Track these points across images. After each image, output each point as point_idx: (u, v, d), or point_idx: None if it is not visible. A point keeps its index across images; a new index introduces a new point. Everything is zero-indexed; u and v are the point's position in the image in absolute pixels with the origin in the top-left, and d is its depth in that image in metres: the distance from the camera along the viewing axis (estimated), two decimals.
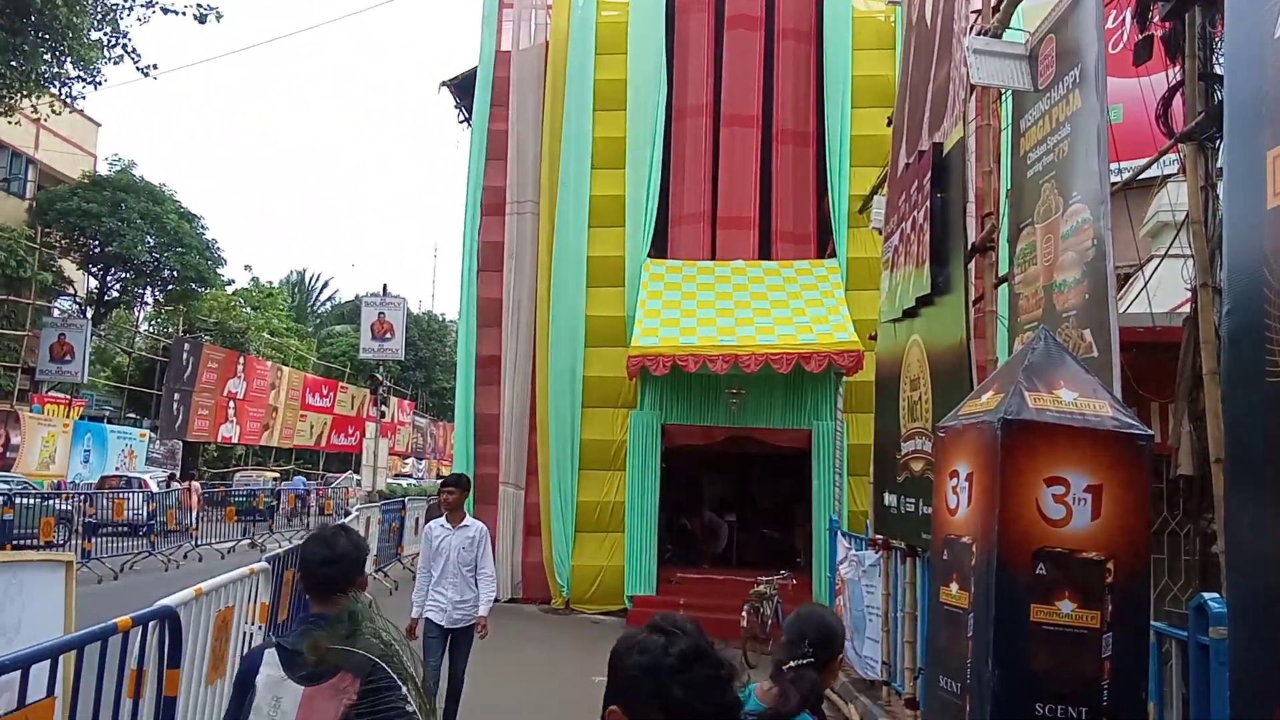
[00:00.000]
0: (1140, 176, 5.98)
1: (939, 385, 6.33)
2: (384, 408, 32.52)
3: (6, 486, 17.00)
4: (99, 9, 19.61)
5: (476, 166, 14.70)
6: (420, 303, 67.32)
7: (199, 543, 18.96)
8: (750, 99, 13.92)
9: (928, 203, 6.47)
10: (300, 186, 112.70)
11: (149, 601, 3.45)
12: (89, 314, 30.02)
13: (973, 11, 6.33)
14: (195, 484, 23.50)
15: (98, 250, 29.08)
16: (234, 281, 40.52)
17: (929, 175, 6.48)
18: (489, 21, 15.04)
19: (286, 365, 39.63)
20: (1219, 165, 4.45)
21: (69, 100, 21.15)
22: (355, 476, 35.20)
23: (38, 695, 2.61)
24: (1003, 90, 6.27)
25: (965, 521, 3.76)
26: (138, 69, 20.77)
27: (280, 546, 21.82)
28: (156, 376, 32.03)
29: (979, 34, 5.84)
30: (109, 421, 31.30)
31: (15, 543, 13.64)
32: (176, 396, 30.74)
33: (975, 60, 5.19)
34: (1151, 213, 9.78)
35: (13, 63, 18.57)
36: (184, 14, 20.22)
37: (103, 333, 32.36)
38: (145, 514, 18.47)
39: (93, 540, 15.65)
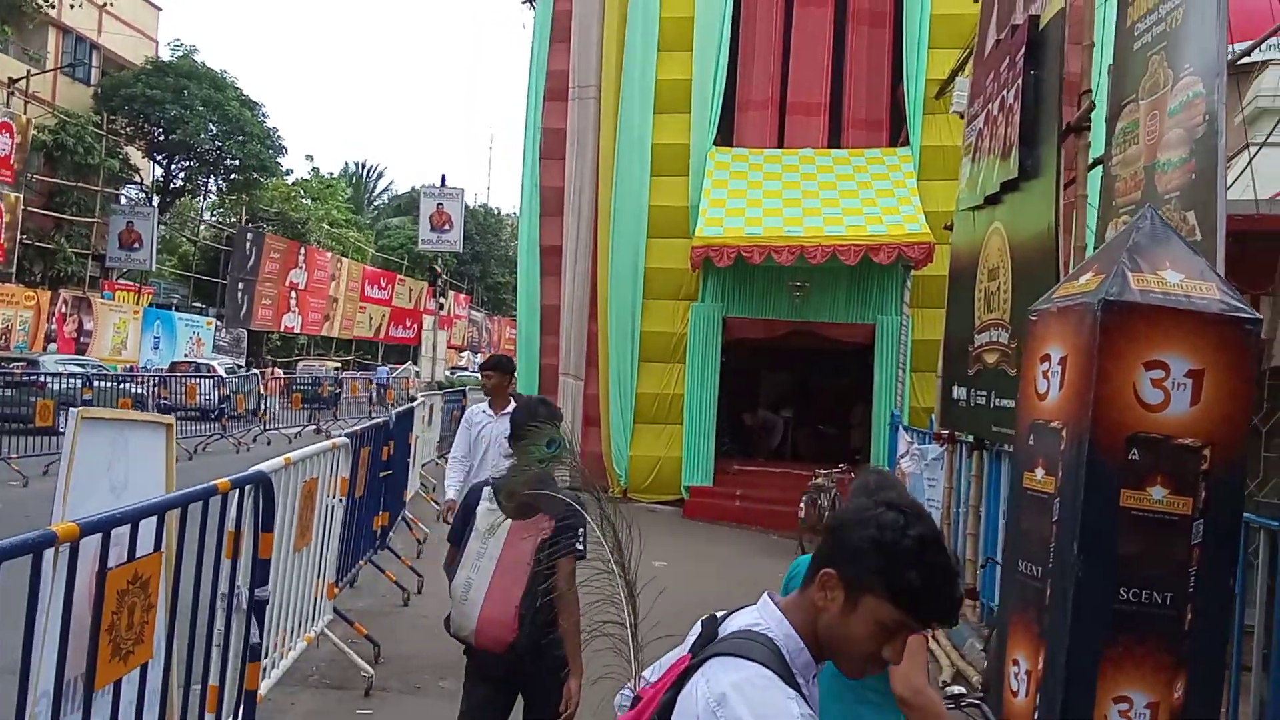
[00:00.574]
0: (1239, 61, 5.59)
1: (1020, 274, 6.12)
2: (442, 300, 32.85)
3: (83, 370, 17.65)
4: None
5: (540, 49, 14.32)
6: (476, 196, 67.01)
7: (267, 427, 19.59)
8: None
9: (1019, 81, 6.12)
10: (357, 73, 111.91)
11: (228, 472, 3.53)
12: (155, 202, 30.49)
13: None
14: (277, 370, 24.14)
15: (161, 137, 29.34)
16: (292, 171, 40.73)
17: (1022, 51, 6.12)
18: None
19: (345, 256, 40.09)
20: None
21: None
22: (414, 368, 35.85)
23: (146, 549, 2.70)
24: None
25: (1056, 406, 3.66)
26: None
27: (343, 432, 22.53)
28: (220, 265, 32.65)
29: None
30: (176, 309, 32.16)
31: None
32: (241, 285, 31.40)
33: None
34: (1250, 97, 9.22)
35: None
36: None
37: (168, 221, 32.91)
38: (216, 399, 19.11)
39: None
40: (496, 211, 59.41)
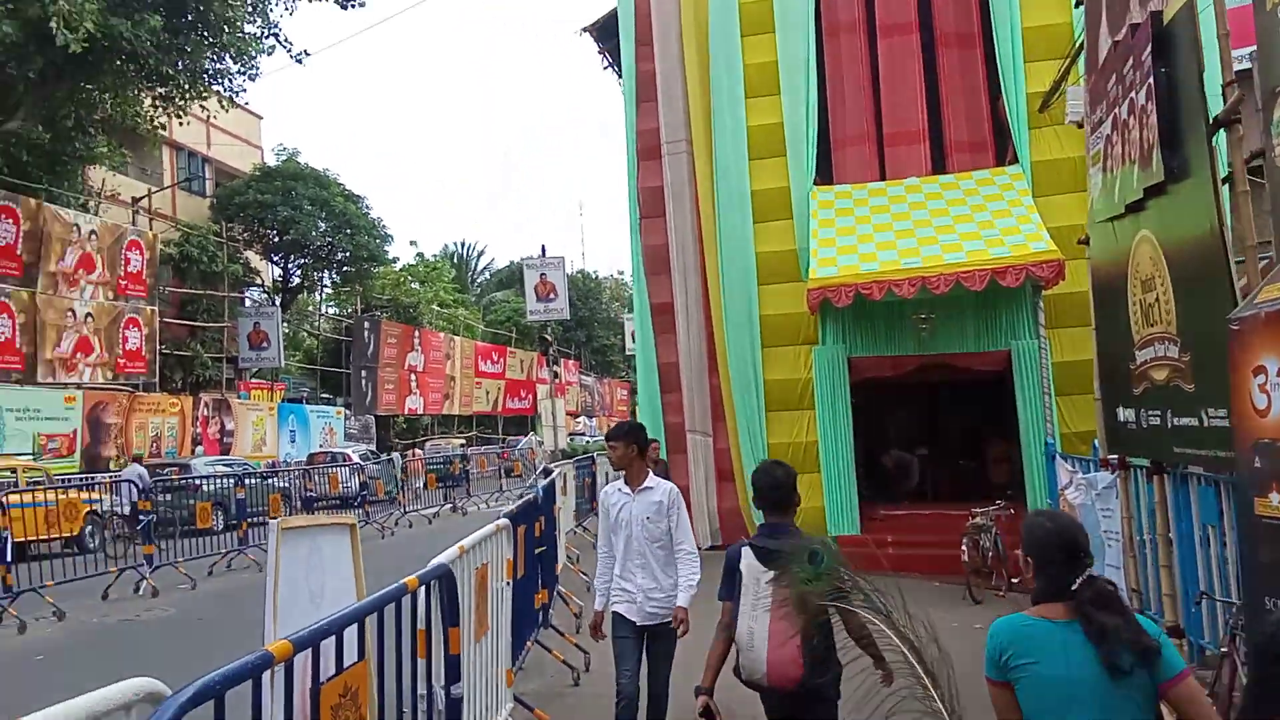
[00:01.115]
0: None
1: (1182, 282, 5.73)
2: (556, 368, 33.32)
3: (230, 469, 18.48)
4: (249, 1, 20.63)
5: (630, 111, 14.55)
6: (572, 262, 68.22)
7: (406, 510, 20.05)
8: (905, 4, 13.07)
9: (1149, 80, 5.80)
10: (449, 158, 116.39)
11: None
12: (277, 301, 32.06)
13: None
14: (419, 452, 24.83)
15: (276, 239, 30.89)
16: (398, 259, 42.29)
17: (1148, 50, 5.82)
18: None
19: (457, 335, 41.21)
20: None
21: (234, 95, 22.39)
22: (536, 438, 36.35)
23: (351, 659, 2.69)
24: None
25: None
26: (291, 56, 21.91)
27: (478, 508, 22.82)
28: (342, 356, 33.96)
29: None
30: (306, 402, 33.51)
31: (249, 520, 14.83)
32: (363, 373, 32.55)
33: None
34: None
35: (179, 63, 19.76)
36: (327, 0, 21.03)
37: (290, 318, 34.52)
38: (356, 485, 19.71)
39: (313, 512, 16.83)
40: (594, 275, 60.34)
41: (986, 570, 9.57)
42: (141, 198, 26.79)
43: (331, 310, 39.05)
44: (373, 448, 29.97)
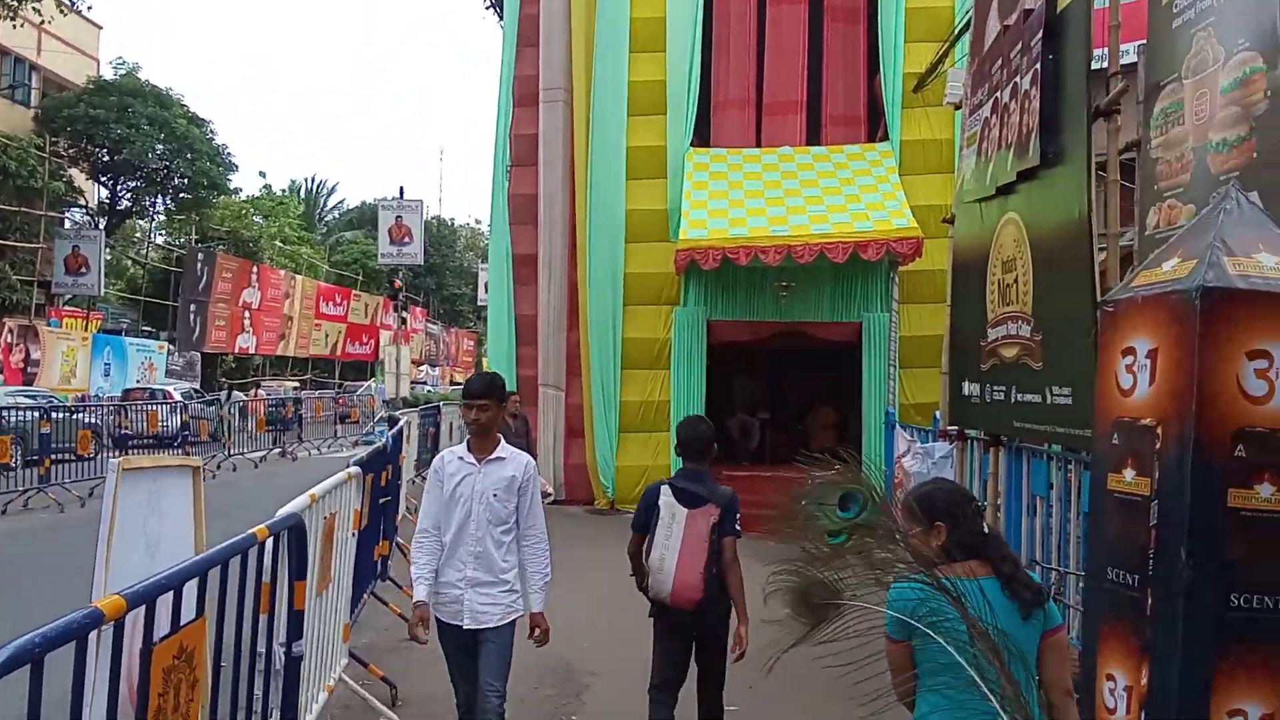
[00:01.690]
0: None
1: (1044, 265, 5.93)
2: (404, 314, 32.19)
3: (33, 401, 16.87)
4: None
5: (508, 54, 13.97)
6: (428, 208, 66.19)
7: (231, 453, 18.91)
8: None
9: (1036, 66, 5.93)
10: (304, 88, 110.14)
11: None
12: (101, 225, 29.49)
13: None
14: (261, 393, 23.43)
15: (106, 158, 28.40)
16: (241, 189, 39.72)
17: (1038, 36, 5.93)
18: None
19: (299, 274, 39.20)
20: None
21: (71, 1, 20.23)
22: (378, 384, 35.14)
23: (189, 616, 2.34)
24: None
25: (1147, 403, 3.43)
26: None
27: (309, 455, 21.85)
28: (171, 287, 31.67)
29: None
30: (126, 334, 31.12)
31: (53, 456, 13.56)
32: (192, 307, 30.46)
33: None
34: None
35: None
36: None
37: (115, 244, 31.88)
38: (176, 425, 18.40)
39: (126, 452, 15.57)
40: (450, 223, 58.73)
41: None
42: None
43: (162, 239, 36.27)
44: (197, 386, 28.17)
